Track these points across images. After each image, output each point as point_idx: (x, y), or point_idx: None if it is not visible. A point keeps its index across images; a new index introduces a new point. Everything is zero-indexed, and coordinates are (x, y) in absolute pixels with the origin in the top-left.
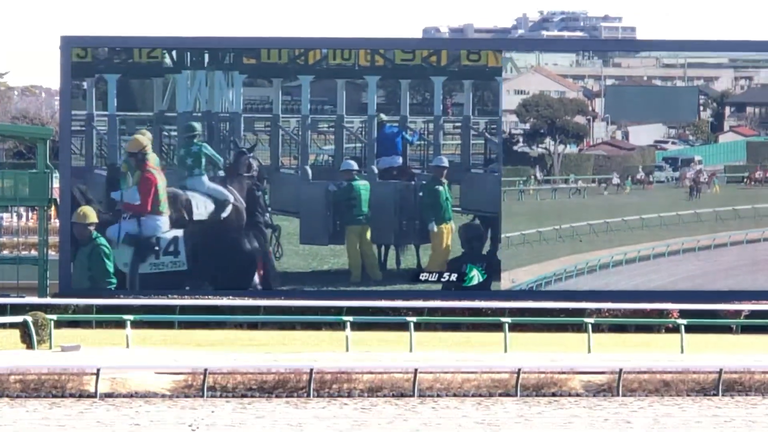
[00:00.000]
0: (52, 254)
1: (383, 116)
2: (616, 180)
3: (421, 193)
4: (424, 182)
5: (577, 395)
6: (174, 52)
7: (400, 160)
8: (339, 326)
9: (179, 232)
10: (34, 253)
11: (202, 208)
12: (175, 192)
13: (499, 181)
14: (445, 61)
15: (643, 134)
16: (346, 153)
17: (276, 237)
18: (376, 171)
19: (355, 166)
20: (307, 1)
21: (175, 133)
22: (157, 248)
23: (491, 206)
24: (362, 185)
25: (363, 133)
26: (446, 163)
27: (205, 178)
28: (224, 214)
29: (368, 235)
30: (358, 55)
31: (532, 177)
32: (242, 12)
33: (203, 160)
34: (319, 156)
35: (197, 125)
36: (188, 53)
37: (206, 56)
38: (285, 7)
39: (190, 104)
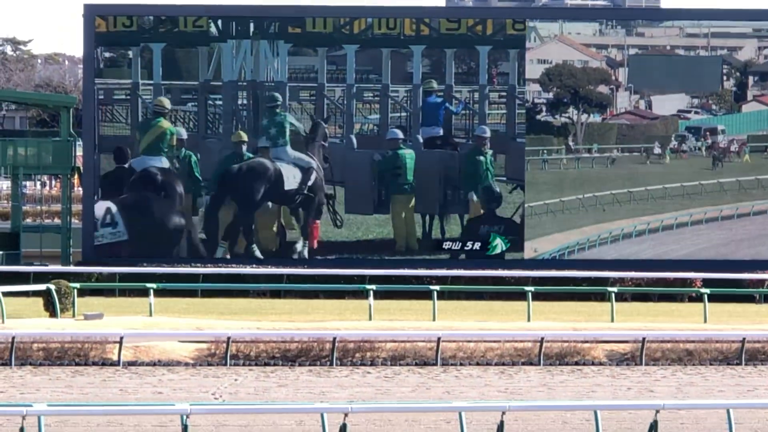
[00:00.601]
0: (75, 222)
1: (434, 84)
2: (657, 150)
3: (462, 163)
4: (465, 152)
5: (600, 364)
6: (219, 21)
7: (441, 130)
8: (362, 295)
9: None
10: (57, 221)
11: (291, 178)
12: (263, 163)
13: (523, 151)
14: (490, 30)
15: (666, 104)
16: (391, 122)
17: (332, 205)
18: (420, 140)
19: (400, 134)
20: None
21: (220, 102)
22: None
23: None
24: (408, 154)
25: (408, 102)
26: (488, 133)
27: (289, 147)
28: (310, 182)
29: (413, 204)
30: (403, 24)
31: (564, 146)
32: None
33: (287, 130)
34: (364, 125)
35: (278, 95)
36: (233, 22)
37: (251, 25)
38: None
39: (236, 73)
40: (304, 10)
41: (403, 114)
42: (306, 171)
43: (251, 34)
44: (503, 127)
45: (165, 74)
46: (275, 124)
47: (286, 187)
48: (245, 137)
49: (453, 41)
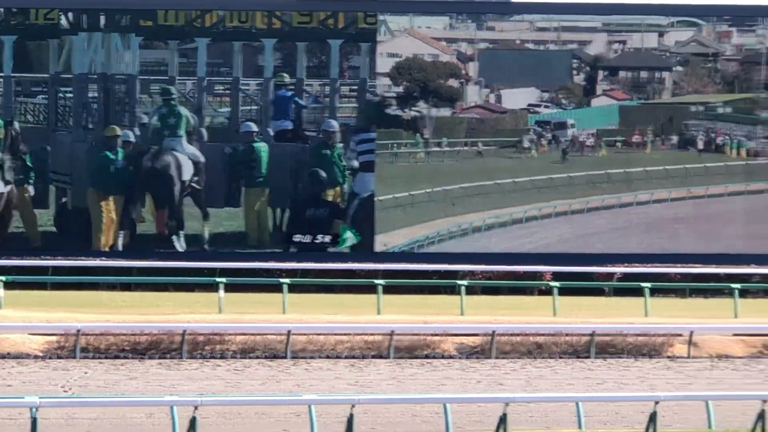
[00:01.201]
0: None
1: (285, 77)
2: (527, 143)
3: (311, 157)
4: (314, 146)
5: (450, 357)
6: (70, 14)
7: (291, 124)
8: (212, 288)
9: None
10: None
11: (186, 170)
12: (174, 155)
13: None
14: (342, 23)
15: (516, 98)
16: (242, 116)
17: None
18: (271, 134)
19: (254, 127)
20: None
21: (70, 95)
22: None
23: None
24: (262, 147)
25: (259, 95)
26: (335, 127)
27: (184, 140)
28: (197, 177)
29: (266, 197)
30: (255, 18)
31: (419, 137)
32: None
33: (184, 122)
34: (214, 118)
35: (172, 88)
36: (84, 15)
37: (102, 18)
38: None
39: (86, 66)
40: (155, 2)
41: (254, 107)
42: (197, 165)
43: (102, 26)
44: (354, 121)
45: (16, 67)
46: (175, 114)
47: (184, 178)
48: (119, 131)
49: (305, 34)
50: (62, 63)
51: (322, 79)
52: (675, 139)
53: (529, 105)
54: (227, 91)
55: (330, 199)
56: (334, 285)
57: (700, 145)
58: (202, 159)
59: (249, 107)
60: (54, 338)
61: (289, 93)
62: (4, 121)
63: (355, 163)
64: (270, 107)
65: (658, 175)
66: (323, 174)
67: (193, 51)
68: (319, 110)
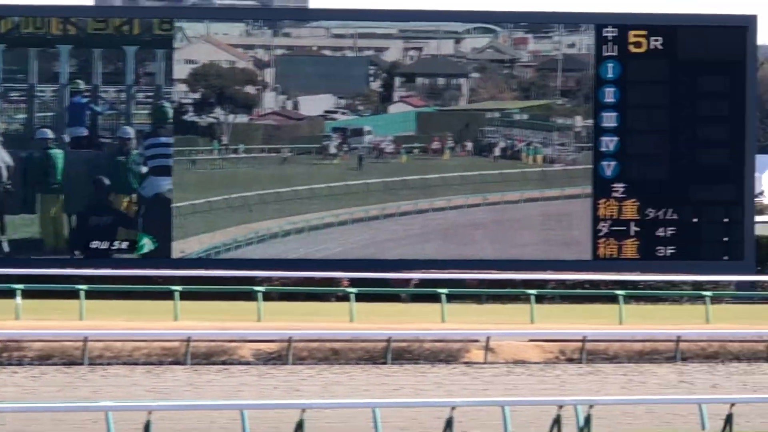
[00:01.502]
0: None
1: (81, 84)
2: (333, 149)
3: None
4: (109, 153)
5: (248, 363)
6: None
7: (86, 130)
8: (10, 294)
9: None
10: None
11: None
12: None
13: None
14: (137, 30)
15: (313, 104)
16: (38, 122)
17: None
18: (67, 140)
19: (50, 134)
20: None
21: None
22: None
23: None
24: (58, 153)
25: (56, 102)
26: (130, 134)
27: None
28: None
29: (62, 204)
30: (50, 24)
31: (216, 143)
32: None
33: None
34: (10, 125)
35: None
36: None
37: None
38: None
39: None
40: None
41: (50, 114)
42: (8, 168)
43: None
44: (149, 127)
45: None
46: None
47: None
48: None
49: (100, 41)
50: None
51: (118, 85)
52: (471, 145)
53: (326, 111)
54: (24, 98)
55: (120, 206)
56: (131, 291)
57: (497, 151)
58: (9, 161)
59: (45, 113)
60: None
61: (85, 99)
62: None
63: (144, 168)
64: (65, 114)
65: (455, 181)
66: (107, 181)
67: None
68: (115, 117)
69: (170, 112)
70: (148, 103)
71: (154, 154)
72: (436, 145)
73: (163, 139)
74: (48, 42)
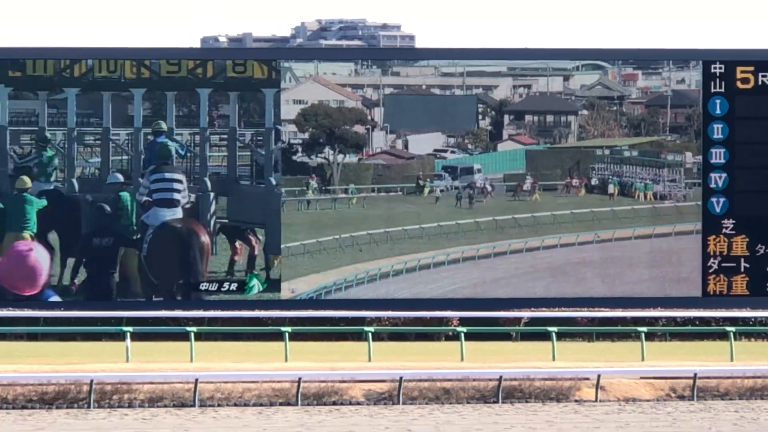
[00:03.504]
0: None
1: (163, 125)
2: (442, 189)
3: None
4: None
5: (358, 404)
6: None
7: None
8: (119, 337)
9: None
10: None
11: None
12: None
13: (272, 192)
14: (211, 72)
15: (422, 143)
16: (113, 166)
17: None
18: (141, 182)
19: (121, 178)
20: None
21: None
22: None
23: (260, 217)
24: (129, 197)
25: (129, 145)
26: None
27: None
28: None
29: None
30: (123, 67)
31: (309, 184)
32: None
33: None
34: (85, 169)
35: (49, 136)
36: None
37: None
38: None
39: None
40: (24, 52)
41: (125, 157)
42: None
43: None
44: (224, 170)
45: None
46: (50, 160)
47: None
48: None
49: (173, 84)
50: None
51: (192, 128)
52: (582, 182)
53: (436, 150)
54: (98, 141)
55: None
56: (241, 332)
57: (610, 189)
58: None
59: (120, 157)
60: None
61: (165, 141)
62: None
63: (143, 198)
64: (144, 156)
65: (565, 219)
66: (108, 209)
67: (63, 101)
68: (192, 159)
69: (173, 151)
70: (224, 146)
71: (157, 188)
72: (527, 186)
73: (166, 175)
74: (153, 84)
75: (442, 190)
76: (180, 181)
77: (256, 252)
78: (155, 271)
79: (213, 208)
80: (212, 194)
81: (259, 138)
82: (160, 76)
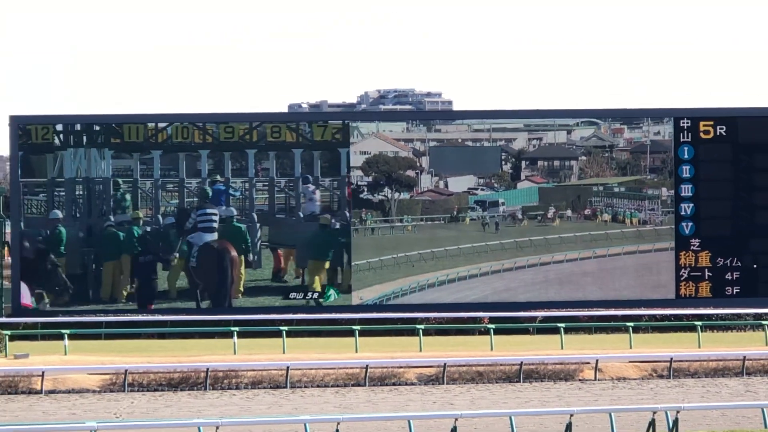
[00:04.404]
0: (6, 284)
1: (218, 177)
2: (487, 220)
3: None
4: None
5: (412, 384)
6: (61, 135)
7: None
8: (227, 335)
9: None
10: None
11: None
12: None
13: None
14: (255, 137)
15: (459, 183)
16: (187, 204)
17: None
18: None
19: (60, 215)
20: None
21: (63, 193)
22: None
23: (291, 241)
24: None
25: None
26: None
27: None
28: None
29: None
30: (193, 134)
31: (370, 215)
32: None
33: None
34: (167, 208)
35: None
36: (71, 135)
37: (84, 137)
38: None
39: (74, 172)
40: (121, 119)
41: (195, 199)
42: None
43: (84, 143)
44: (266, 207)
45: (24, 173)
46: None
47: None
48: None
49: (229, 146)
50: (56, 170)
51: (242, 178)
52: (582, 212)
53: (469, 188)
54: (176, 189)
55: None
56: (321, 330)
57: (602, 216)
58: None
59: (192, 199)
60: (107, 376)
61: (222, 186)
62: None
63: (190, 225)
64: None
65: (570, 240)
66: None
67: (150, 159)
68: (242, 200)
69: (210, 193)
70: (266, 190)
71: (202, 220)
72: (550, 214)
73: (209, 210)
74: (192, 148)
75: (472, 219)
76: (216, 214)
77: (282, 265)
78: (201, 276)
79: (258, 234)
80: (258, 225)
81: (291, 183)
82: (220, 140)
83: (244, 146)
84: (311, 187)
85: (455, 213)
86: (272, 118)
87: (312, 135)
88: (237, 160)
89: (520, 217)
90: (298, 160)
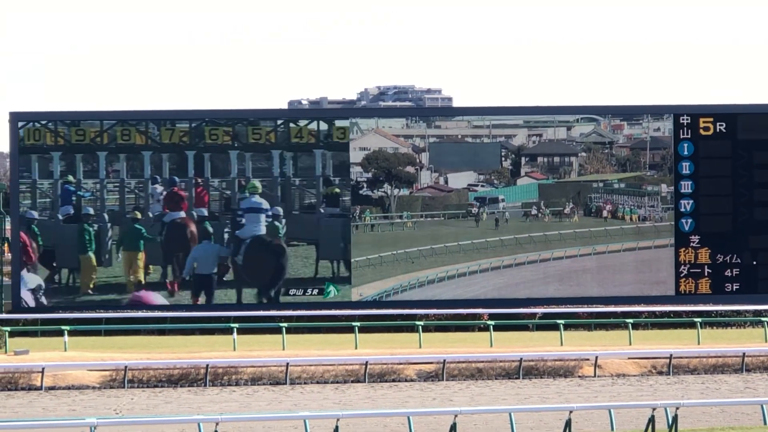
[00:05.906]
0: (6, 280)
1: (256, 183)
2: (484, 216)
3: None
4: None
5: (412, 380)
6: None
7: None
8: (227, 332)
9: None
10: None
11: None
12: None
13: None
14: (106, 140)
15: (459, 179)
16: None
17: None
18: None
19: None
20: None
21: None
22: None
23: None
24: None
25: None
26: (90, 211)
27: None
28: None
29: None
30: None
31: (368, 211)
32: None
33: None
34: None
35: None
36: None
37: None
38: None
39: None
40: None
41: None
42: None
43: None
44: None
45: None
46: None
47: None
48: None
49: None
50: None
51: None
52: (581, 208)
53: (469, 185)
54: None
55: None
56: (321, 327)
57: (604, 213)
58: None
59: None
60: (107, 372)
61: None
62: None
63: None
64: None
65: (569, 236)
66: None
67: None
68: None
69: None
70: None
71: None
72: (571, 208)
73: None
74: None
75: (489, 213)
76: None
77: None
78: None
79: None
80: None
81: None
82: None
83: (95, 149)
84: (159, 188)
85: (455, 209)
86: (122, 116)
87: (160, 138)
88: (88, 162)
89: (534, 212)
90: (148, 162)
